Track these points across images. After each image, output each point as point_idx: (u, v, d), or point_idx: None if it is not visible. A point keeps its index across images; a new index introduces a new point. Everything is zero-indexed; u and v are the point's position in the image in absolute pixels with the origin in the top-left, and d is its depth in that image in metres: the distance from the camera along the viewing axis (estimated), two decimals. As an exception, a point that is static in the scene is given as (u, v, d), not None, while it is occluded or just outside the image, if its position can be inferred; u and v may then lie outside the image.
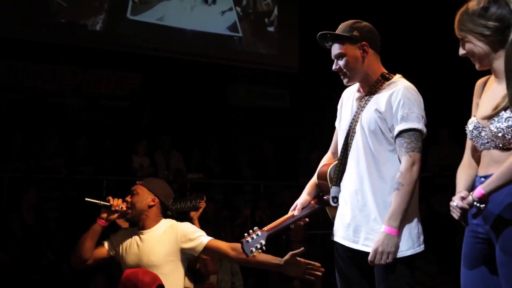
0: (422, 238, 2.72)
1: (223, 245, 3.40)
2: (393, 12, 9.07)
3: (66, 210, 7.56)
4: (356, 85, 2.87)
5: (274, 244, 7.18)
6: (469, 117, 2.48)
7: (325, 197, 2.90)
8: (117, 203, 3.45)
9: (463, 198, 2.35)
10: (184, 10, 9.50)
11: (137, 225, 3.52)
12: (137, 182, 3.61)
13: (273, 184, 9.06)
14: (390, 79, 2.78)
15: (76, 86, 9.06)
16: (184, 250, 3.42)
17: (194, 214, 4.40)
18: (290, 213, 2.92)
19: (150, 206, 3.49)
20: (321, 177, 2.92)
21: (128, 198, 3.51)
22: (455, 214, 2.37)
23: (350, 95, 2.93)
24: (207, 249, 3.39)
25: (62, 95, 9.02)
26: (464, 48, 2.41)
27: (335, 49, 2.81)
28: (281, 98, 10.53)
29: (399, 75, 2.82)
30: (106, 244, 3.53)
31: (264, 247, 2.82)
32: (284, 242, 6.75)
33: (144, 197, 3.50)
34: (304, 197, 2.95)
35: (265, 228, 2.86)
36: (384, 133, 2.71)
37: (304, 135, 10.15)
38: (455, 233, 6.41)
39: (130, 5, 9.14)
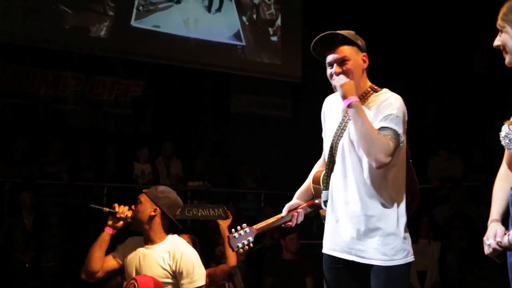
0: (410, 249, 2.70)
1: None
2: (397, 28, 9.09)
3: (68, 216, 7.55)
4: (338, 96, 2.77)
5: (267, 253, 7.17)
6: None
7: (317, 201, 2.93)
8: (123, 210, 3.32)
9: (497, 237, 2.12)
10: (188, 18, 9.53)
11: (143, 236, 3.39)
12: (143, 190, 3.44)
13: (275, 193, 9.03)
14: (378, 91, 2.76)
15: (79, 93, 9.09)
16: (181, 282, 3.33)
17: (224, 223, 4.26)
18: (279, 215, 2.96)
19: (151, 217, 3.32)
20: (316, 181, 2.95)
21: (133, 207, 3.37)
22: (487, 251, 2.18)
23: (332, 106, 2.89)
24: None
25: (65, 101, 9.04)
26: (499, 39, 2.24)
27: (341, 52, 2.73)
28: (283, 108, 10.56)
29: (386, 89, 2.78)
30: (115, 254, 3.42)
31: (251, 244, 2.82)
32: (277, 252, 6.70)
33: (146, 206, 3.34)
34: (293, 201, 2.99)
35: (254, 226, 2.87)
36: None
37: (306, 145, 10.16)
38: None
39: (134, 12, 9.16)
